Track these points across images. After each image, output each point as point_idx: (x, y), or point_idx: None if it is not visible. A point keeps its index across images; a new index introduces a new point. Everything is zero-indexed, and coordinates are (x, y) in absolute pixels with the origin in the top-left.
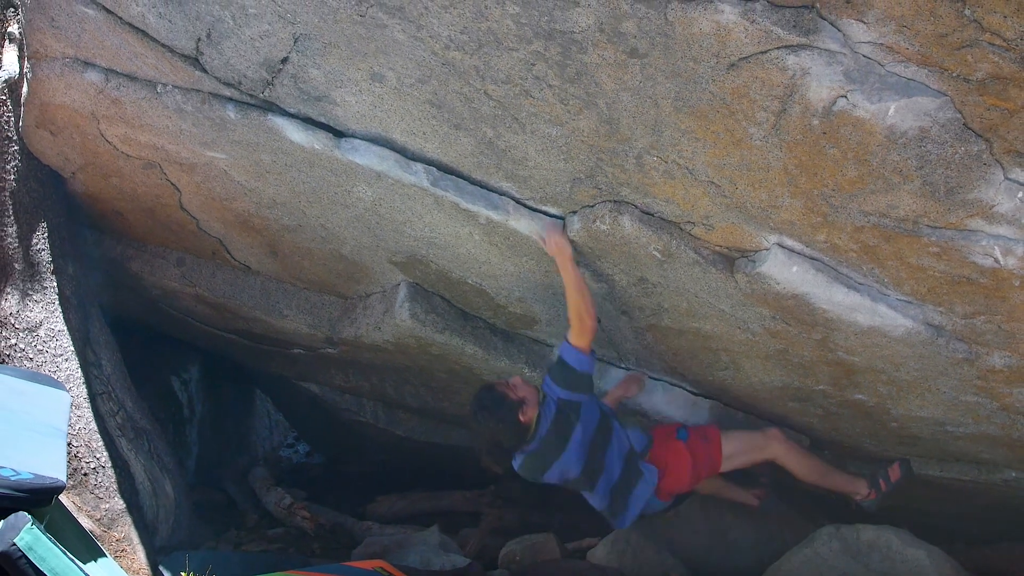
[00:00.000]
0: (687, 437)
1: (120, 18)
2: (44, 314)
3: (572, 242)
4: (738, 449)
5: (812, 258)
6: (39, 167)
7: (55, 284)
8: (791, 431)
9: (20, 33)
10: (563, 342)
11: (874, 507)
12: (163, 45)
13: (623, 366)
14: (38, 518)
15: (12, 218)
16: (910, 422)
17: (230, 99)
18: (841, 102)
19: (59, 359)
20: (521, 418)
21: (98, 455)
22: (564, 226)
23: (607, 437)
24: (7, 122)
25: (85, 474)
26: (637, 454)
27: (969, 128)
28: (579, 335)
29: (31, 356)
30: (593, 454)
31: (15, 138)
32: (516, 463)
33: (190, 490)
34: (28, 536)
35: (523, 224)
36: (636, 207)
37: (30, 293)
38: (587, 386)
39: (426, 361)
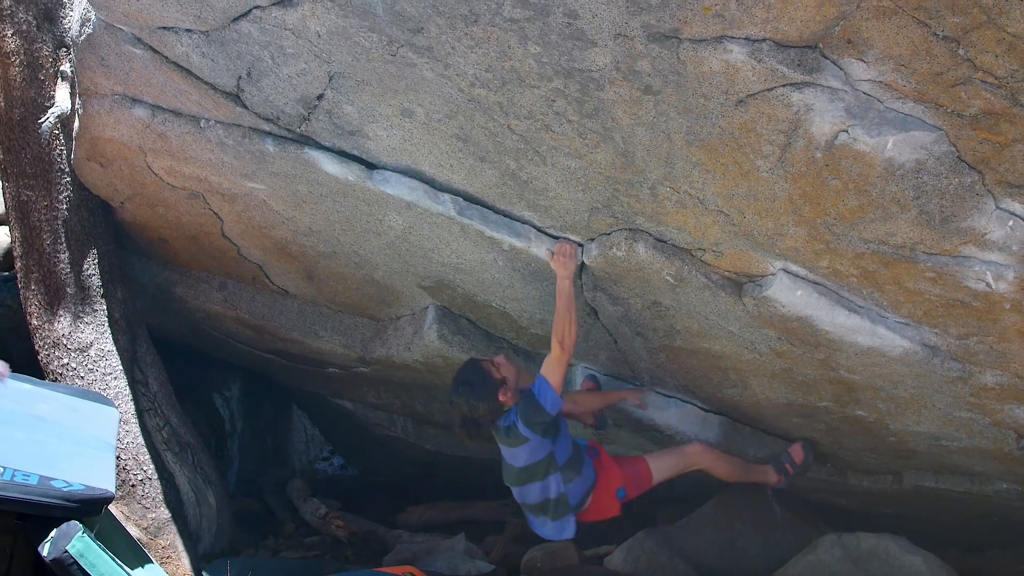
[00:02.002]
0: (624, 496)
1: (166, 57)
2: (94, 335)
3: (590, 268)
4: (665, 476)
5: (815, 283)
6: (90, 197)
7: (105, 307)
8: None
9: (72, 71)
10: (539, 375)
11: (787, 488)
12: (206, 83)
13: (637, 384)
14: (89, 527)
15: (64, 245)
16: (907, 437)
17: (269, 133)
18: (842, 136)
19: (108, 377)
20: (501, 398)
21: (145, 467)
22: (582, 252)
23: (537, 476)
24: (60, 155)
25: (133, 485)
26: (570, 507)
27: (963, 161)
28: (556, 363)
29: (82, 375)
30: (519, 476)
31: (67, 170)
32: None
33: (231, 500)
34: (79, 543)
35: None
36: (650, 235)
37: (81, 315)
38: (550, 430)
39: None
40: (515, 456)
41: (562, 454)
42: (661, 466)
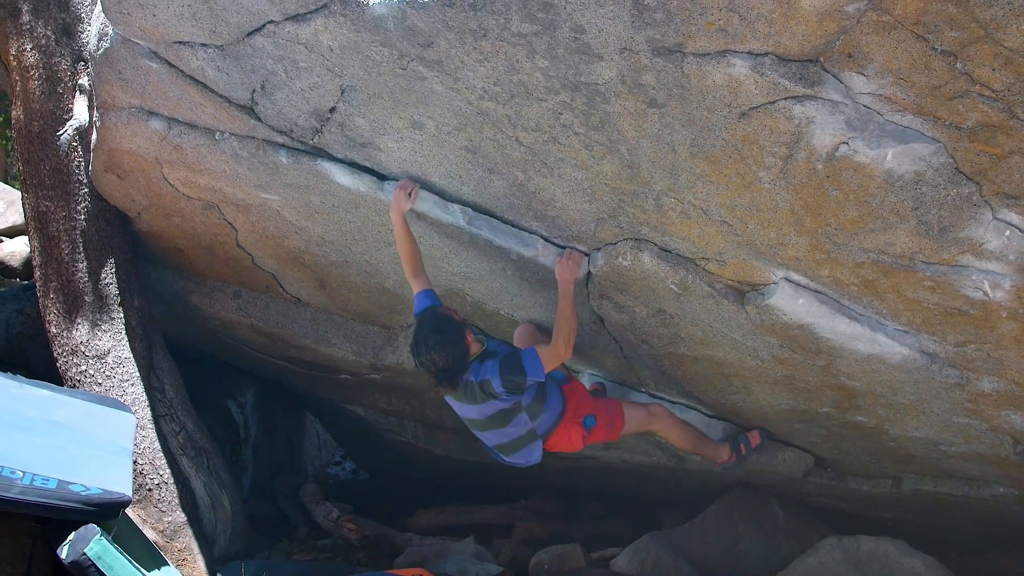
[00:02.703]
0: (593, 425)
1: (182, 71)
2: (112, 343)
3: (596, 277)
4: (631, 428)
5: (816, 291)
6: (107, 208)
7: (122, 315)
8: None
9: (90, 85)
10: (530, 348)
11: (736, 468)
12: (221, 96)
13: (643, 391)
14: (106, 530)
15: (83, 255)
16: (907, 442)
17: (282, 145)
18: (843, 148)
19: (125, 384)
20: (468, 338)
21: (161, 472)
22: (588, 261)
23: (501, 424)
24: (78, 167)
25: (149, 489)
26: (538, 436)
27: (961, 172)
28: (552, 355)
29: (100, 381)
30: (482, 424)
31: (85, 181)
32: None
33: (245, 504)
34: (97, 546)
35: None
36: (655, 244)
37: (99, 323)
38: (521, 391)
39: None
40: (479, 411)
41: (527, 399)
42: (631, 413)
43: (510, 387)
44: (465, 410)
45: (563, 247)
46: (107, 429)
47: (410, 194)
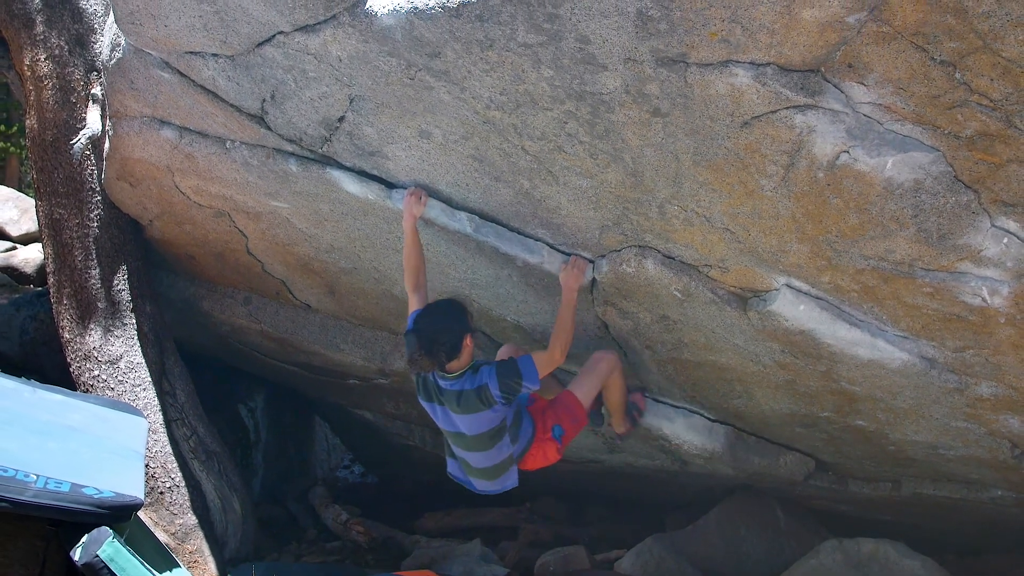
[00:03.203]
0: (562, 432)
1: (193, 81)
2: (124, 348)
3: (600, 283)
4: (591, 400)
5: (817, 298)
6: (119, 215)
7: (134, 321)
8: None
9: (102, 94)
10: (525, 354)
11: (630, 439)
12: (232, 105)
13: (646, 394)
14: (119, 532)
15: (95, 261)
16: (906, 445)
17: (292, 154)
18: (844, 157)
19: (138, 389)
20: (467, 340)
21: (173, 475)
22: (592, 268)
23: (485, 446)
24: (91, 175)
25: (161, 493)
26: (514, 461)
27: (959, 180)
28: (547, 361)
29: (112, 386)
30: (469, 443)
31: (98, 189)
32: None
33: (256, 507)
34: (110, 548)
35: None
36: (659, 251)
37: (112, 329)
38: (512, 397)
39: None
40: (470, 424)
41: (510, 416)
42: (582, 389)
43: (506, 392)
44: (456, 422)
45: (568, 254)
46: (119, 433)
47: (420, 199)
